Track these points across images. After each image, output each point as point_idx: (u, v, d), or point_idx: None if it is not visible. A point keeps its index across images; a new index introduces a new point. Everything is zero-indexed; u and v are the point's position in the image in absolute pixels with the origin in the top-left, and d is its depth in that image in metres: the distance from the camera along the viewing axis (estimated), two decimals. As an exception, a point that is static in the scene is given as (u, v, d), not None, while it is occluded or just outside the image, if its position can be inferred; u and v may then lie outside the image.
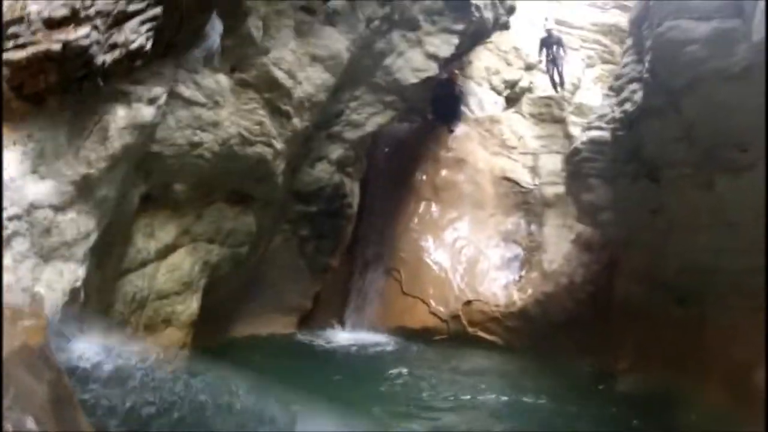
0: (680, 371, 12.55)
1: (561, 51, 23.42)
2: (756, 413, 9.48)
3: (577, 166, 16.08)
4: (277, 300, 17.27)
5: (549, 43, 23.66)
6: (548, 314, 17.90)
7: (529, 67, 25.56)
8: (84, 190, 6.88)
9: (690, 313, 12.94)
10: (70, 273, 6.76)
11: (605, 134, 14.95)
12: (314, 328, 18.38)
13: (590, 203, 15.91)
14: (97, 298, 8.78)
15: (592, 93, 23.69)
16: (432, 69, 17.20)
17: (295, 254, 17.25)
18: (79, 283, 6.93)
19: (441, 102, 22.04)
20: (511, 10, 21.51)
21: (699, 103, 10.86)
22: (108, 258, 8.86)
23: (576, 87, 24.44)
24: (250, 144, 11.65)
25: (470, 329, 18.45)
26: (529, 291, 18.71)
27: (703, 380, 11.82)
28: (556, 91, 23.34)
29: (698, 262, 12.44)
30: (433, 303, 18.98)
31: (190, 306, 11.54)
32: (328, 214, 17.38)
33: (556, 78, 23.48)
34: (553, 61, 23.50)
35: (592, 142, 15.48)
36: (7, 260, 5.55)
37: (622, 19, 22.75)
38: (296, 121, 12.88)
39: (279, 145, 12.47)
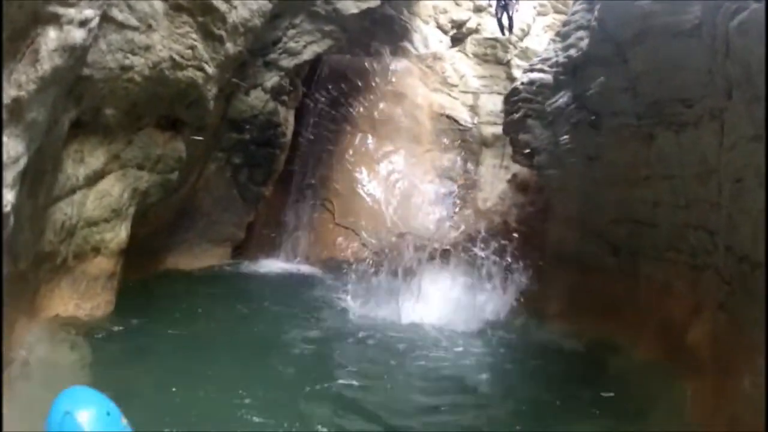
0: (610, 321, 12.62)
1: None
2: (685, 368, 9.56)
3: (515, 105, 16.10)
4: (210, 230, 17.28)
5: None
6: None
7: (478, 9, 25.55)
8: (14, 113, 6.66)
9: (623, 264, 13.01)
10: (0, 198, 6.60)
11: (547, 77, 14.91)
12: (247, 259, 18.42)
13: (526, 144, 15.92)
14: (30, 227, 8.66)
15: (540, 40, 23.77)
16: (373, 0, 17.07)
17: (228, 183, 17.22)
18: (8, 208, 6.73)
19: None
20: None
21: (646, 56, 10.82)
22: (40, 186, 8.71)
23: (525, 33, 24.54)
24: (181, 68, 11.42)
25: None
26: (462, 227, 18.71)
27: (633, 332, 11.88)
28: (503, 35, 23.37)
29: (634, 214, 12.48)
30: (364, 234, 19.02)
31: (119, 234, 11.38)
32: (261, 142, 17.34)
33: (505, 22, 23.51)
34: (504, 6, 23.51)
35: (533, 83, 15.44)
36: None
37: (582, -30, 22.58)
38: (229, 45, 12.66)
39: (210, 69, 12.26)
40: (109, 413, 3.94)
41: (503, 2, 23.57)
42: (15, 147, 6.79)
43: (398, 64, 22.19)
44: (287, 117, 18.20)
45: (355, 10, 16.80)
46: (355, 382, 10.28)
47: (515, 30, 23.91)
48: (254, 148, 17.20)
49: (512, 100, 16.36)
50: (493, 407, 10.03)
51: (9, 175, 6.72)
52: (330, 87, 21.19)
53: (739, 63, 7.75)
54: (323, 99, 21.01)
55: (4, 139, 6.56)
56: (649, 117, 11.48)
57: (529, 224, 17.62)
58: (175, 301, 13.26)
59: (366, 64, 22.11)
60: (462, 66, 22.34)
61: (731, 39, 7.82)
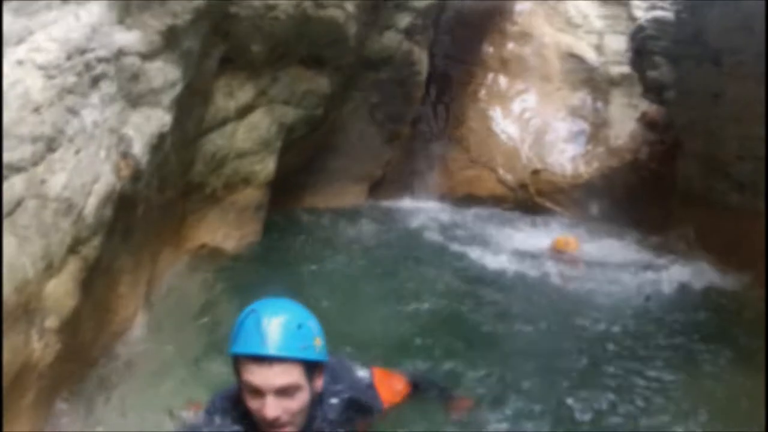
0: (734, 259, 12.93)
1: None
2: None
3: (641, 43, 16.27)
4: (349, 168, 17.70)
5: None
6: (613, 188, 18.35)
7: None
8: (170, 40, 7.38)
9: (747, 201, 13.28)
10: (158, 119, 7.32)
11: (669, 14, 15.10)
12: (384, 197, 18.98)
13: (655, 80, 16.08)
14: (178, 158, 9.26)
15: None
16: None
17: (365, 121, 17.63)
18: (166, 129, 7.51)
19: None
20: None
21: (759, -6, 10.98)
22: (188, 117, 9.32)
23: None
24: (323, 7, 11.91)
25: (538, 199, 19.01)
26: (596, 165, 19.21)
27: (754, 270, 12.24)
28: None
29: (757, 151, 12.66)
30: (501, 171, 19.51)
31: (267, 166, 12.07)
32: (398, 81, 17.61)
33: None
34: None
35: (656, 20, 15.62)
36: (94, 99, 5.96)
37: None
38: (366, -15, 13.15)
39: (350, 7, 12.72)
40: (300, 327, 4.02)
41: None
42: (173, 72, 7.53)
43: (522, 6, 22.18)
44: (421, 56, 18.38)
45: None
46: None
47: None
48: (390, 87, 17.50)
49: (638, 37, 16.46)
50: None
51: (167, 99, 7.45)
52: (458, 29, 21.59)
53: None
54: (453, 40, 21.47)
55: (160, 63, 7.26)
56: (764, 55, 11.69)
57: (659, 161, 17.89)
58: (317, 238, 14.02)
59: (490, 6, 22.18)
60: (584, 6, 22.05)
61: None
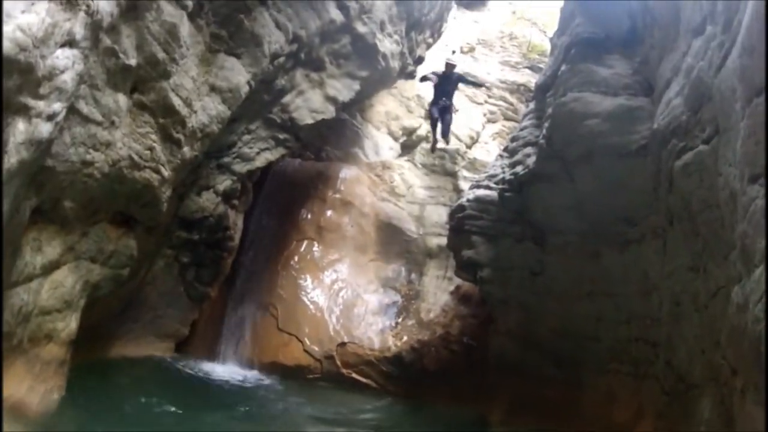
0: (552, 427, 12.87)
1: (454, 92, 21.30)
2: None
3: (460, 222, 16.47)
4: (155, 324, 17.32)
5: (447, 77, 20.69)
6: (423, 361, 18.05)
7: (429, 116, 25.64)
8: None
9: (566, 374, 13.28)
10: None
11: (493, 194, 15.29)
12: (189, 356, 18.32)
13: (470, 259, 16.16)
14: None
15: (488, 148, 23.98)
16: (329, 112, 17.42)
17: (175, 280, 17.29)
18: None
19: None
20: (419, 61, 21.77)
21: (592, 176, 11.16)
22: (-1, 270, 8.68)
23: (474, 141, 24.67)
24: (139, 168, 11.54)
25: (344, 370, 18.51)
26: (405, 338, 18.95)
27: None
28: (435, 140, 21.85)
29: (577, 328, 12.72)
30: (307, 342, 19.01)
31: (69, 325, 11.40)
32: (210, 243, 17.48)
33: (440, 127, 21.62)
34: (441, 118, 21.65)
35: (479, 200, 15.89)
36: None
37: (533, 80, 22.62)
38: (186, 150, 12.81)
39: (166, 172, 12.39)
40: None
41: (441, 104, 21.99)
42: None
43: (348, 172, 22.60)
44: (236, 221, 18.43)
45: (310, 121, 17.09)
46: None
47: (464, 138, 23.88)
48: (202, 249, 17.36)
49: (457, 216, 16.73)
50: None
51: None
52: (279, 192, 21.60)
53: (681, 199, 8.09)
54: (272, 203, 21.38)
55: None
56: (593, 235, 11.78)
57: (471, 335, 17.88)
58: (120, 393, 13.54)
59: (316, 171, 22.56)
60: (410, 176, 22.91)
61: (675, 176, 8.17)
